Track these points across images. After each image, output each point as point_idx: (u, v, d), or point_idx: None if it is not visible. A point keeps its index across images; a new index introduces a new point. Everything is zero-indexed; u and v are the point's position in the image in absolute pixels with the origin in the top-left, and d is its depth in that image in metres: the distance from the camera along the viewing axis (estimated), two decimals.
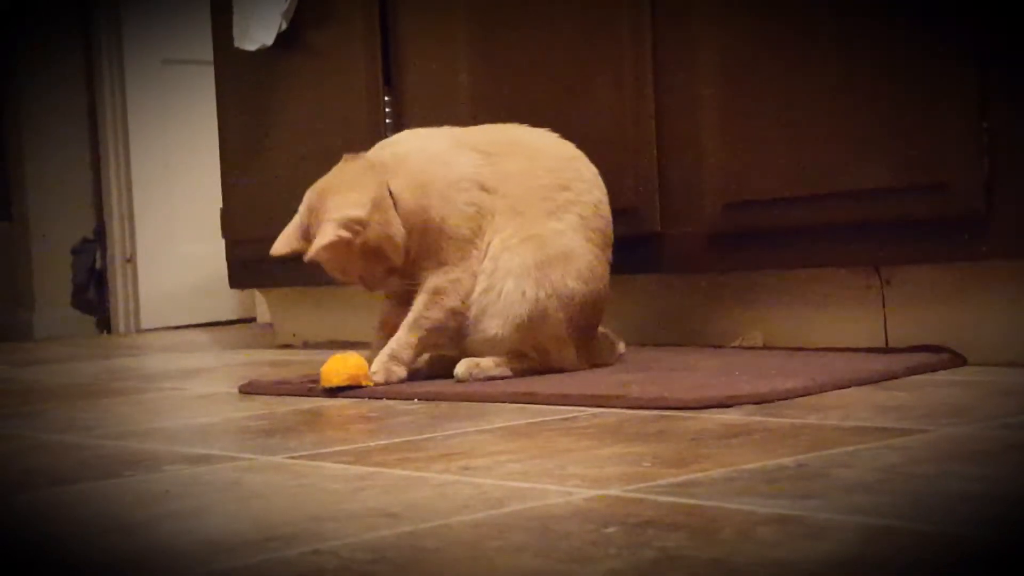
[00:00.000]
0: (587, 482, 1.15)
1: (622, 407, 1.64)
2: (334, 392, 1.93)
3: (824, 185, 2.04)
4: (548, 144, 2.09)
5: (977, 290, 1.96)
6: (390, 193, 1.97)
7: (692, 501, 1.05)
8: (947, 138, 1.89)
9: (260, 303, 4.18)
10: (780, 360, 1.98)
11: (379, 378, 1.96)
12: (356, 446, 1.46)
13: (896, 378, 1.76)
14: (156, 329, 4.55)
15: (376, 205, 1.94)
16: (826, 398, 1.61)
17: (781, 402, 1.59)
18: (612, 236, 2.06)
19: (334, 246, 1.93)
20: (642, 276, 2.41)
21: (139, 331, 4.57)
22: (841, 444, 1.27)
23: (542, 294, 1.94)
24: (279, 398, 2.00)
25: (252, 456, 1.43)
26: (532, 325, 1.94)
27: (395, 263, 1.97)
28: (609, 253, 2.05)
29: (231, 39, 3.13)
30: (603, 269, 2.03)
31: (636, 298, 2.46)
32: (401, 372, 1.98)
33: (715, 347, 2.26)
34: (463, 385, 1.92)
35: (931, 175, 1.91)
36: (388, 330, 2.04)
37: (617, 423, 1.52)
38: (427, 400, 1.86)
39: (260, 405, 1.93)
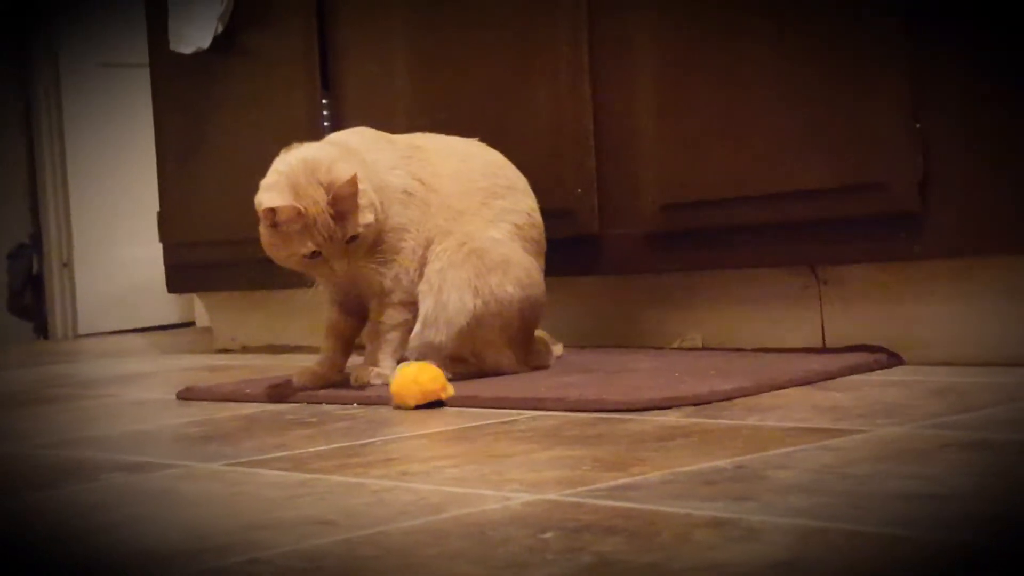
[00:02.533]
0: (525, 486, 1.15)
1: (561, 410, 1.64)
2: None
3: (761, 186, 2.06)
4: (478, 150, 2.11)
5: (913, 289, 1.99)
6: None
7: (630, 504, 1.05)
8: (881, 138, 1.91)
9: (199, 307, 4.14)
10: (719, 361, 1.99)
11: (379, 382, 1.94)
12: (294, 452, 1.44)
13: (833, 378, 1.77)
14: (94, 334, 4.49)
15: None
16: (764, 399, 1.62)
17: (720, 403, 1.60)
18: (545, 243, 2.08)
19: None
20: (581, 278, 2.41)
21: (76, 336, 4.51)
22: (778, 445, 1.28)
23: (479, 302, 1.94)
24: (217, 403, 1.98)
25: (189, 463, 1.41)
26: (471, 331, 1.94)
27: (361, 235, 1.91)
28: (543, 260, 2.07)
29: (167, 42, 3.10)
30: (539, 275, 2.04)
31: (575, 300, 2.46)
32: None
33: (654, 348, 2.27)
34: None
35: (866, 175, 1.93)
36: (336, 335, 2.03)
37: (556, 426, 1.52)
38: (366, 405, 1.85)
39: (198, 411, 1.90)
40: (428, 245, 1.99)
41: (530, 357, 2.05)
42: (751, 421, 1.45)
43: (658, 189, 2.20)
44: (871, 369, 1.85)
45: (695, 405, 1.60)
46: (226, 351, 3.16)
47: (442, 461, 1.32)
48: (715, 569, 0.84)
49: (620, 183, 2.26)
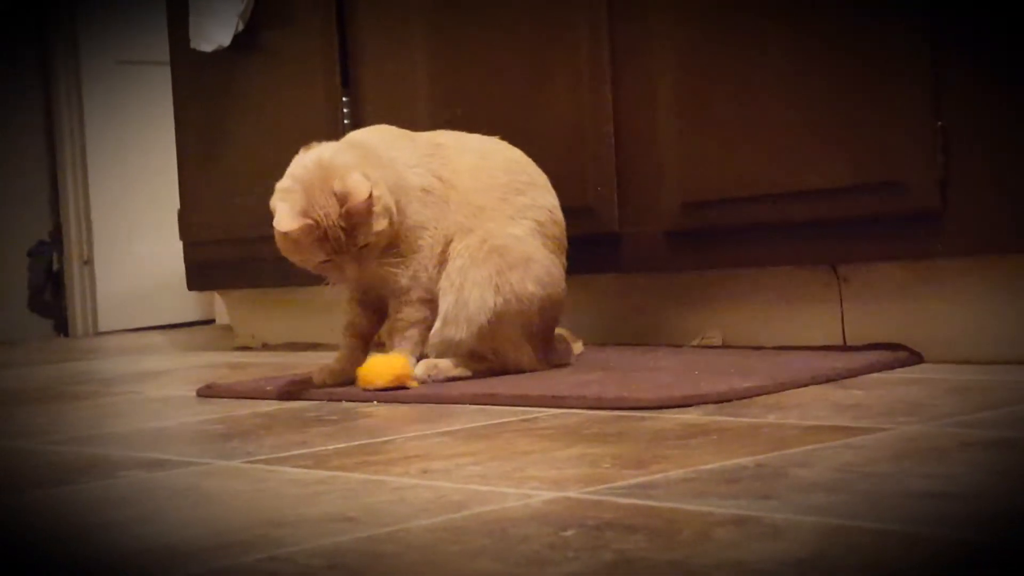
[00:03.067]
0: (546, 484, 1.15)
1: (582, 408, 1.64)
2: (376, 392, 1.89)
3: (782, 184, 2.05)
4: (498, 147, 2.10)
5: (933, 288, 1.98)
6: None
7: (651, 502, 1.04)
8: (902, 137, 1.90)
9: (219, 305, 4.15)
10: (739, 359, 1.98)
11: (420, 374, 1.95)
12: (315, 450, 1.45)
13: (854, 376, 1.77)
14: (114, 331, 4.51)
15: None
16: (784, 397, 1.61)
17: (740, 401, 1.60)
18: (566, 240, 2.08)
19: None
20: (601, 276, 2.41)
21: (97, 334, 4.52)
22: (799, 443, 1.27)
23: (500, 300, 1.94)
24: (237, 401, 1.99)
25: (209, 461, 1.42)
26: (491, 329, 1.94)
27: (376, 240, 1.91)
28: (564, 258, 2.06)
29: (187, 40, 3.11)
30: (559, 273, 2.04)
31: (595, 298, 2.46)
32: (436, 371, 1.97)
33: (674, 346, 2.27)
34: (423, 387, 1.91)
35: (887, 174, 1.92)
36: (354, 332, 2.03)
37: (577, 424, 1.52)
38: (387, 402, 1.85)
39: (218, 408, 1.91)
40: (448, 242, 1.99)
41: (550, 355, 2.05)
42: (772, 419, 1.45)
43: (678, 187, 2.20)
44: (892, 367, 1.84)
45: (716, 403, 1.59)
46: (246, 348, 3.16)
47: (463, 459, 1.32)
48: (737, 567, 0.84)
49: (640, 181, 2.26)
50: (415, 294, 1.98)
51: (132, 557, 0.99)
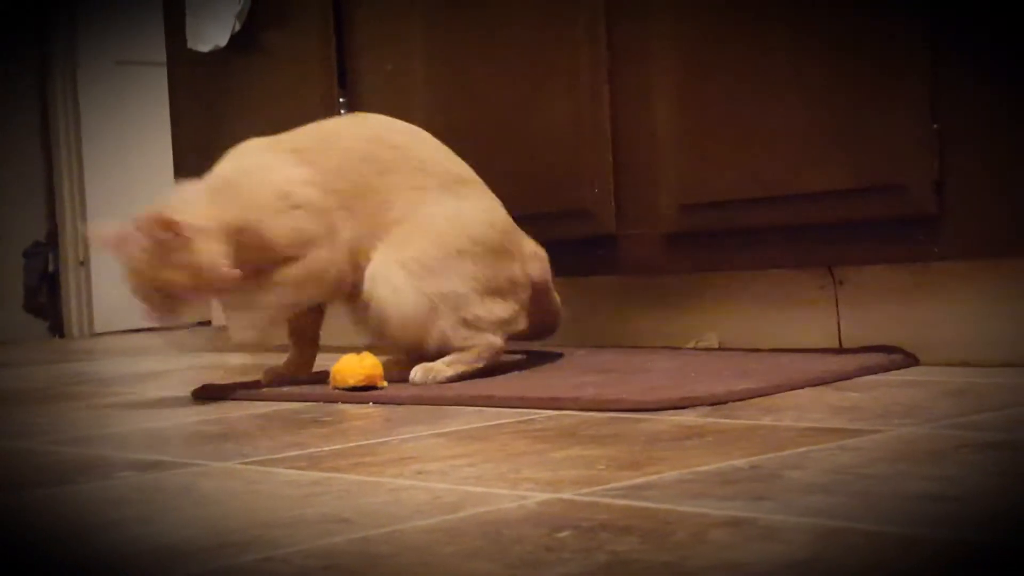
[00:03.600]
0: (541, 486, 1.15)
1: (578, 409, 1.64)
2: (348, 391, 1.92)
3: (778, 186, 2.05)
4: (353, 131, 2.08)
5: (929, 290, 1.98)
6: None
7: (646, 504, 1.04)
8: (899, 140, 1.90)
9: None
10: (735, 361, 1.98)
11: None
12: (310, 451, 1.45)
13: (849, 378, 1.77)
14: (110, 333, 4.50)
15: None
16: (780, 399, 1.62)
17: (736, 403, 1.60)
18: (480, 184, 2.07)
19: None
20: (598, 277, 2.41)
21: (92, 335, 4.52)
22: (795, 445, 1.27)
23: (419, 282, 1.94)
24: (233, 402, 1.98)
25: (205, 462, 1.42)
26: (429, 314, 1.94)
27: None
28: (485, 190, 2.06)
29: (184, 40, 3.11)
30: (485, 215, 2.02)
31: (592, 300, 2.46)
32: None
33: (671, 348, 2.27)
34: (419, 388, 1.91)
35: (883, 177, 1.92)
36: (294, 332, 2.12)
37: (573, 425, 1.52)
38: (382, 404, 1.85)
39: (213, 409, 1.91)
40: (357, 248, 1.99)
41: (533, 316, 2.07)
42: (767, 421, 1.45)
43: (676, 189, 2.20)
44: (887, 369, 1.84)
45: (711, 405, 1.59)
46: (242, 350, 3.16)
47: (458, 460, 1.32)
48: (732, 569, 0.84)
49: (638, 183, 2.26)
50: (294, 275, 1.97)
51: (128, 558, 0.99)
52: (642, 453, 1.30)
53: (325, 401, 1.91)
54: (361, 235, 1.99)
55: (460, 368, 1.96)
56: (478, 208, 2.03)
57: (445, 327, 1.96)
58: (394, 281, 1.95)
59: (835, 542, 0.89)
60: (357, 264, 2.00)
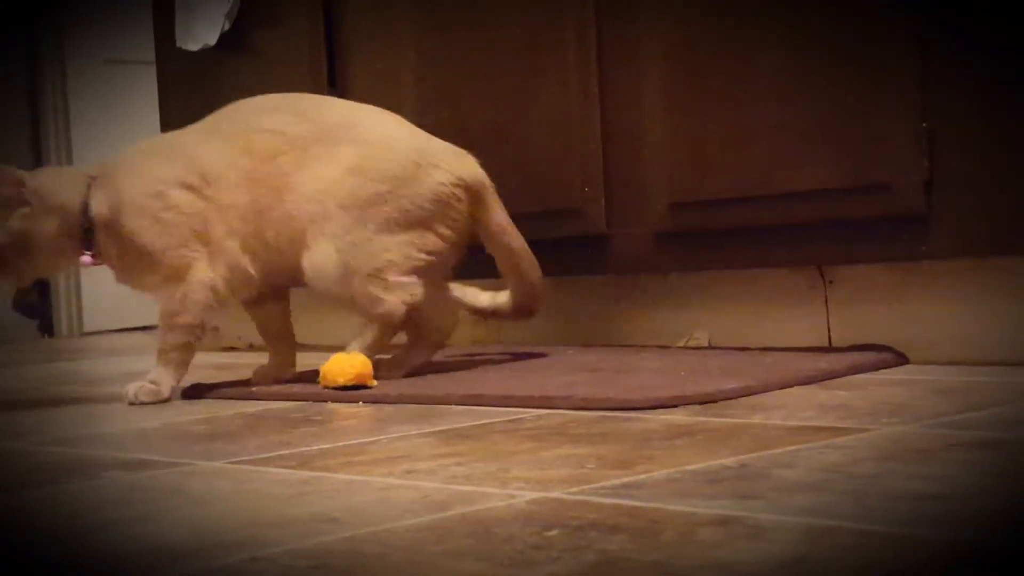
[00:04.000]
0: (530, 484, 1.15)
1: (568, 408, 1.64)
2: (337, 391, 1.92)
3: (768, 185, 2.06)
4: (230, 122, 2.07)
5: (918, 289, 1.98)
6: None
7: (634, 503, 1.04)
8: (888, 139, 1.90)
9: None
10: (725, 360, 1.99)
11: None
12: (299, 450, 1.44)
13: (839, 377, 1.77)
14: (99, 332, 4.49)
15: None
16: (769, 398, 1.62)
17: (725, 402, 1.60)
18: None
19: None
20: (589, 277, 2.41)
21: (82, 334, 4.51)
22: (783, 444, 1.27)
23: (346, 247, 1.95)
24: (222, 401, 1.98)
25: (193, 461, 1.41)
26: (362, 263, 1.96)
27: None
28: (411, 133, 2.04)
29: (173, 39, 3.10)
30: (385, 164, 1.98)
31: (583, 298, 2.46)
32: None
33: (661, 347, 2.27)
34: (410, 386, 1.91)
35: (872, 176, 1.93)
36: (266, 332, 2.17)
37: (562, 424, 1.52)
38: (372, 403, 1.85)
39: (202, 409, 1.91)
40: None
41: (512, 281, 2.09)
42: (756, 420, 1.45)
43: (666, 188, 2.20)
44: (876, 368, 1.85)
45: (701, 404, 1.60)
46: (232, 349, 3.16)
47: (448, 459, 1.32)
48: (720, 568, 0.84)
49: (628, 182, 2.26)
50: (184, 319, 2.01)
51: (117, 559, 0.99)
52: (632, 452, 1.30)
53: (315, 400, 1.90)
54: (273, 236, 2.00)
55: (370, 352, 2.00)
56: (373, 144, 2.00)
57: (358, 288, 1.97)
58: (325, 258, 1.97)
59: (825, 541, 0.89)
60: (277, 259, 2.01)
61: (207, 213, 1.98)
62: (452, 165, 2.01)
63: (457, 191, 2.00)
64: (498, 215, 2.06)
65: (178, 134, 2.13)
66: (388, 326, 2.00)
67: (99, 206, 2.00)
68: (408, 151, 2.00)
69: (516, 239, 2.08)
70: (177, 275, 1.98)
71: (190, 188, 2.00)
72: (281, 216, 1.98)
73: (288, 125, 2.01)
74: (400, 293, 1.97)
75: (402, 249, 1.97)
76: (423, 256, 1.98)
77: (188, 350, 2.03)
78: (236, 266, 2.00)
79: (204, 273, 1.98)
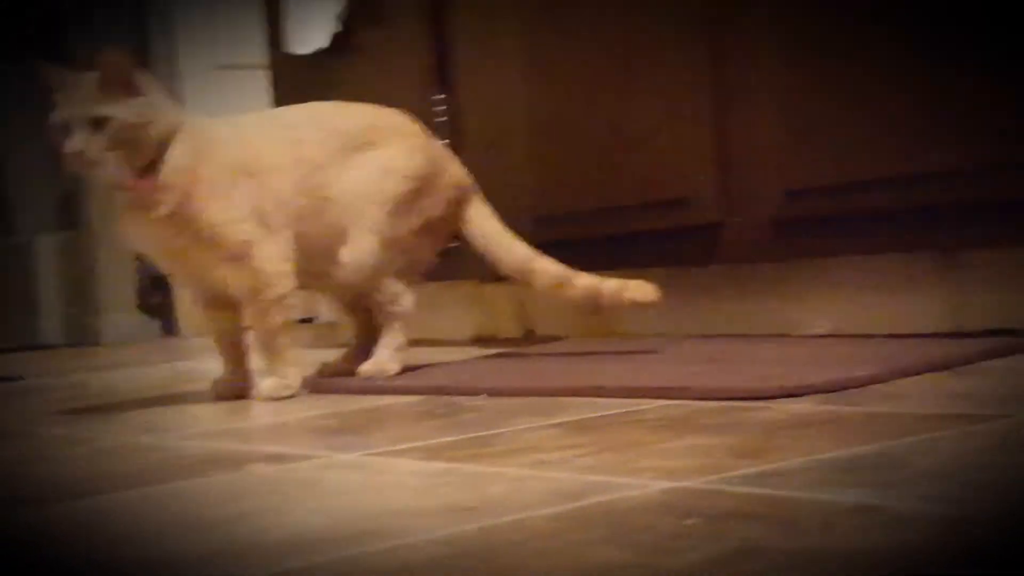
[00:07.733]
0: (662, 474, 1.15)
1: (689, 399, 1.63)
2: None
3: (889, 168, 2.03)
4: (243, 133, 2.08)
5: None
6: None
7: (770, 491, 1.04)
8: (1014, 117, 1.86)
9: (321, 301, 4.19)
10: (848, 348, 1.96)
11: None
12: (427, 443, 1.46)
13: (969, 363, 1.74)
14: None
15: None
16: (898, 385, 1.59)
17: (852, 391, 1.58)
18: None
19: None
20: (701, 266, 2.40)
21: (204, 334, 4.61)
22: (918, 432, 1.26)
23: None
24: (344, 396, 2.02)
25: (328, 454, 1.44)
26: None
27: None
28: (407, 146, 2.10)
29: (285, 43, 3.15)
30: (395, 164, 2.07)
31: (697, 289, 2.45)
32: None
33: (780, 336, 2.25)
34: (528, 380, 1.93)
35: (999, 155, 1.89)
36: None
37: (686, 415, 1.52)
38: (493, 396, 1.86)
39: (327, 404, 1.94)
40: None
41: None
42: (887, 408, 1.43)
43: (780, 175, 2.18)
44: (1008, 354, 1.81)
45: (827, 392, 1.58)
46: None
47: (575, 450, 1.33)
48: (862, 555, 0.83)
49: (741, 170, 2.24)
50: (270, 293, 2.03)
51: (257, 547, 1.02)
52: (761, 441, 1.29)
53: (436, 394, 1.93)
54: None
55: (399, 356, 2.09)
56: (391, 157, 2.07)
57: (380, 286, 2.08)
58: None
59: (965, 530, 0.88)
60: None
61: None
62: (454, 168, 2.14)
63: (457, 193, 2.13)
64: (487, 218, 2.19)
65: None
66: (403, 325, 2.09)
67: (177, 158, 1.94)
68: (418, 170, 2.09)
69: (498, 242, 2.19)
70: (242, 251, 1.99)
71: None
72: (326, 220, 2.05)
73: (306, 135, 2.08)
74: (412, 294, 2.10)
75: (423, 250, 2.09)
76: (432, 258, 2.10)
77: (287, 331, 2.04)
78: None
79: (269, 247, 2.00)
